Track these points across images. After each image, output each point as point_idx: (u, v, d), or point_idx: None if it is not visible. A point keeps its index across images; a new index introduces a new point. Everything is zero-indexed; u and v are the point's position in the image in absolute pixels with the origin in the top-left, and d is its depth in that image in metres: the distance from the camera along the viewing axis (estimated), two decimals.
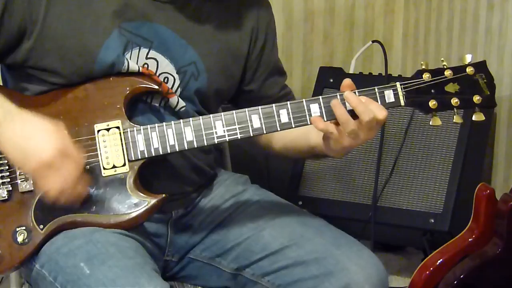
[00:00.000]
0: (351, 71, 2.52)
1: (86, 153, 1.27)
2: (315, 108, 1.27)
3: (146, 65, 1.33)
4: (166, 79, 1.35)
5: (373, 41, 2.53)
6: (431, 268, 1.85)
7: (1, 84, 1.41)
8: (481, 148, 2.35)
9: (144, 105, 1.34)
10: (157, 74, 1.34)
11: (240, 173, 1.60)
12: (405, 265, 2.44)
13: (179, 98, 1.37)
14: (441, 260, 1.85)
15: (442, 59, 1.31)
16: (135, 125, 1.28)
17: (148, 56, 1.33)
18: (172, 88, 1.36)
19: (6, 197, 1.25)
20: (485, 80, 1.30)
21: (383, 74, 2.36)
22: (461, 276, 1.79)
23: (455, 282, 1.79)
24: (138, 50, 1.32)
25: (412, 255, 2.51)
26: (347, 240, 1.36)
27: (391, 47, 2.90)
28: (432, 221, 2.16)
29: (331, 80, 2.41)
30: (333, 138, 1.25)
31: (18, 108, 1.21)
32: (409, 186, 2.24)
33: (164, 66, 1.35)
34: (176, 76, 1.36)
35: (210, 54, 1.39)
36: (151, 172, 1.32)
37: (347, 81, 1.27)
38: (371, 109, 1.23)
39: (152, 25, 1.33)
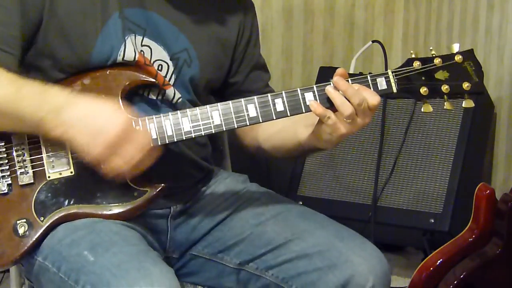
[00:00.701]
0: (351, 71, 2.53)
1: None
2: (309, 96, 1.28)
3: (142, 52, 1.33)
4: (160, 66, 1.36)
5: (373, 41, 2.54)
6: (431, 268, 1.85)
7: None
8: (481, 148, 2.35)
9: (141, 98, 1.35)
10: (152, 61, 1.35)
11: (240, 173, 1.59)
12: (405, 265, 2.44)
13: (175, 89, 1.37)
14: (441, 260, 1.85)
15: (431, 48, 1.33)
16: (133, 117, 1.28)
17: (143, 44, 1.33)
18: (166, 75, 1.37)
19: (6, 191, 1.25)
20: (473, 68, 1.31)
21: None
22: (461, 276, 1.79)
23: (455, 282, 1.79)
24: (134, 36, 1.32)
25: (412, 255, 2.51)
26: (350, 233, 1.36)
27: (391, 47, 2.90)
28: (432, 221, 2.16)
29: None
30: (330, 125, 1.25)
31: (77, 92, 1.22)
32: (409, 186, 2.24)
33: (158, 53, 1.35)
34: (170, 62, 1.37)
35: (201, 42, 1.40)
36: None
37: (340, 70, 1.28)
38: (362, 93, 1.24)
39: (145, 12, 1.33)
